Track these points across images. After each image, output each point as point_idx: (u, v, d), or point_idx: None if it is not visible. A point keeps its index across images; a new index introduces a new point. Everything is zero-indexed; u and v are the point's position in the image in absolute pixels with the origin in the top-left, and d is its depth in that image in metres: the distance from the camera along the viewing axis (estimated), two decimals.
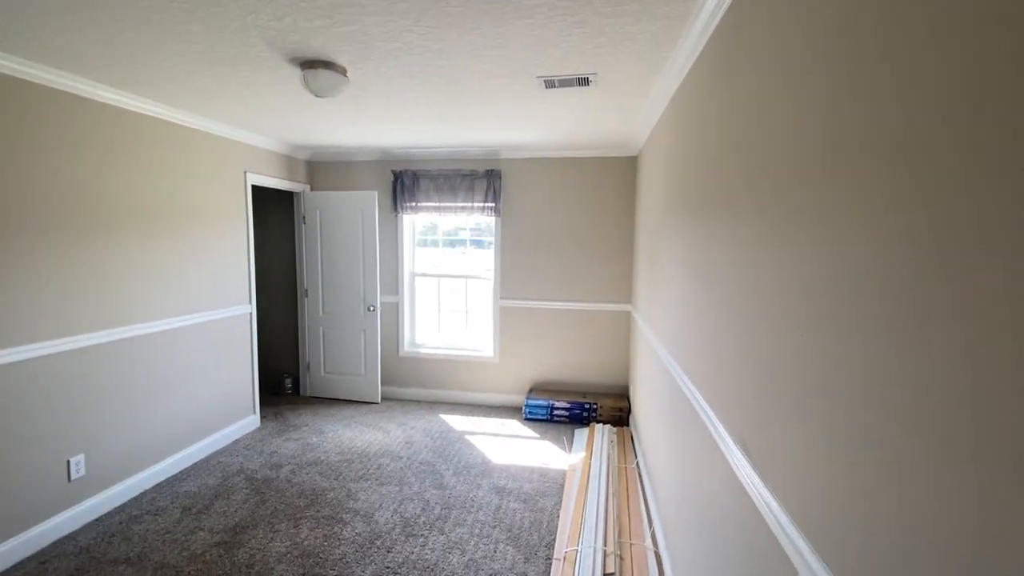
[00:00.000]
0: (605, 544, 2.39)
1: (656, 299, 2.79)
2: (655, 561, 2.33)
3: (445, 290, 4.75)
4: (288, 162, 4.33)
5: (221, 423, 3.57)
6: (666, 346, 2.39)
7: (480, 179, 4.32)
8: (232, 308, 3.62)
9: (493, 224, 4.42)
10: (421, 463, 3.34)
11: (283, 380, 4.73)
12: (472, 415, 4.28)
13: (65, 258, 2.46)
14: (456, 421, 4.13)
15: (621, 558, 2.33)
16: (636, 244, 3.99)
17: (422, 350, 4.65)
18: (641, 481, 3.07)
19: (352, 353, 4.52)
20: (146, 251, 2.92)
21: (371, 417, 4.19)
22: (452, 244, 4.86)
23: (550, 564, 2.33)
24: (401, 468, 3.27)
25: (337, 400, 4.60)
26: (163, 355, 3.06)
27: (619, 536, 2.48)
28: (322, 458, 3.40)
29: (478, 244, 4.76)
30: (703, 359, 1.69)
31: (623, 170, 4.14)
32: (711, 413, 1.54)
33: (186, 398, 3.25)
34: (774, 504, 1.05)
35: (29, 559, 2.30)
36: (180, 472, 3.17)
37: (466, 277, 4.66)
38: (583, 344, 4.33)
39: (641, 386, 3.41)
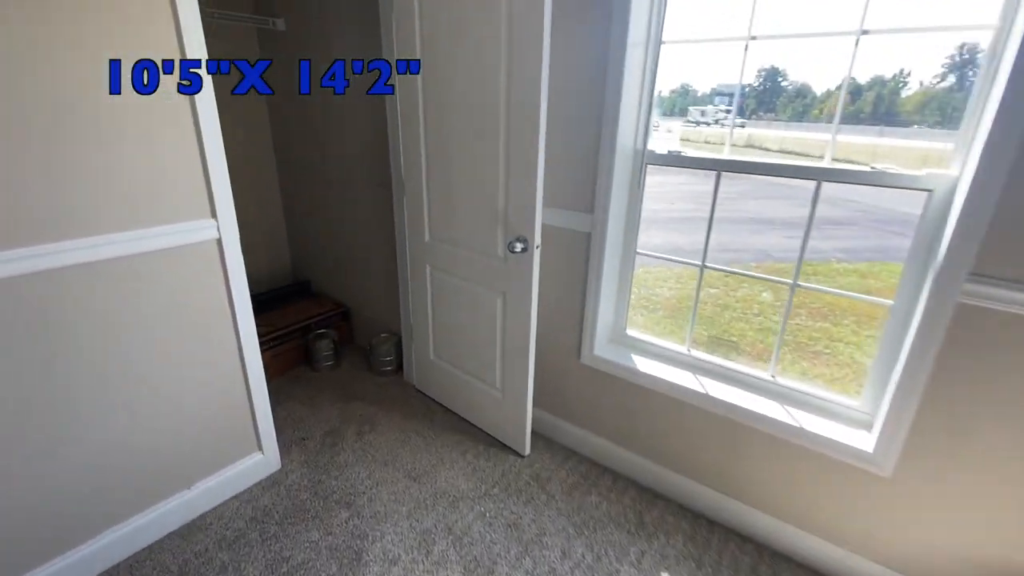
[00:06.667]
0: None
1: None
2: None
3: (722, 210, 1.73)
4: None
5: (172, 485, 1.59)
6: None
7: None
8: (165, 226, 1.39)
9: None
10: None
11: (376, 346, 2.60)
12: None
13: None
14: None
15: None
16: None
17: (641, 362, 1.87)
18: None
19: (479, 336, 2.02)
20: None
21: (495, 508, 1.74)
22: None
23: None
24: None
25: (449, 416, 2.27)
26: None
27: None
28: None
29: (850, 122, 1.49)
30: None
31: None
32: None
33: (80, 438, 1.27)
34: None
35: None
36: None
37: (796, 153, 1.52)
38: None
39: None
